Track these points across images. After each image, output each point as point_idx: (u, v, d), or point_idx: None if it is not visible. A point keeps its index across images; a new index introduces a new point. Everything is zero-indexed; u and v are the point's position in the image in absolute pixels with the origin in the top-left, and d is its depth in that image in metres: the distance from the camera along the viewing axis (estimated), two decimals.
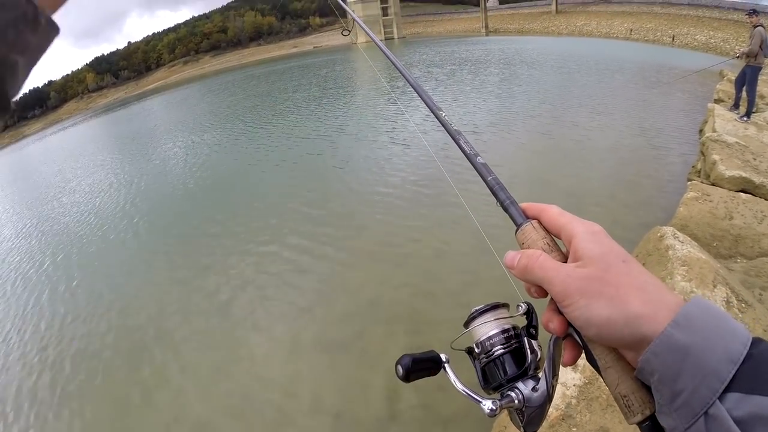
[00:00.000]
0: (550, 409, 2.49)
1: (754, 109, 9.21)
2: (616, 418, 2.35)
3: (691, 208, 5.07)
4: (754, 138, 7.54)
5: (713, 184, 5.89)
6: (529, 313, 0.57)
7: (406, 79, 1.01)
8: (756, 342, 0.40)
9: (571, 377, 2.66)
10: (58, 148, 31.19)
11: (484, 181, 0.65)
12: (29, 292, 7.61)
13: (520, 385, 0.53)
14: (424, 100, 0.88)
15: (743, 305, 3.28)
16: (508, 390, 0.53)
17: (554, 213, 0.55)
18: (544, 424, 2.40)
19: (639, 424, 0.45)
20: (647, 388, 0.44)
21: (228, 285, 6.15)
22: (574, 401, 2.50)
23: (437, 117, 0.80)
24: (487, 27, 61.70)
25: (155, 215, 9.90)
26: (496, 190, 0.63)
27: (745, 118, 8.70)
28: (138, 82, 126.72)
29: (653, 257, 4.03)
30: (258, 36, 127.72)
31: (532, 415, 0.52)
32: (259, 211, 8.51)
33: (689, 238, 4.20)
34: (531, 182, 7.79)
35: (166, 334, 5.47)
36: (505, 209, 0.60)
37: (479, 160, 0.67)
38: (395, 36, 74.77)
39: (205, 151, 14.80)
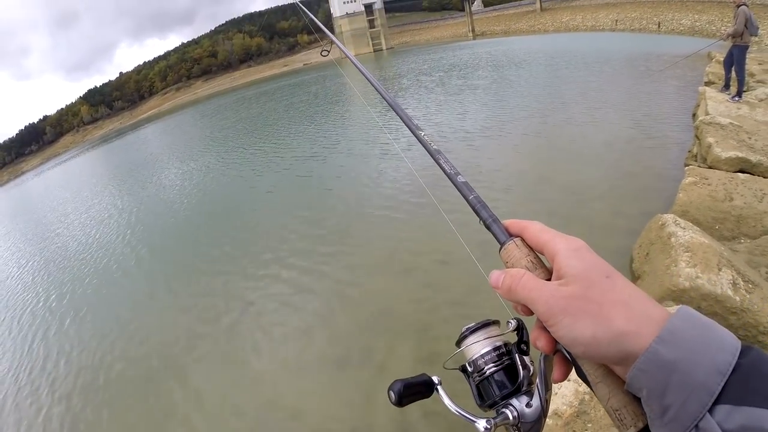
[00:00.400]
0: (564, 407, 2.47)
1: (744, 88, 9.19)
2: None
3: (691, 193, 5.04)
4: (747, 117, 7.52)
5: (710, 167, 5.85)
6: (520, 329, 0.57)
7: (386, 101, 1.01)
8: (745, 350, 0.39)
9: None
10: (57, 183, 31.32)
11: (466, 200, 0.65)
12: (36, 327, 7.62)
13: (514, 401, 0.53)
14: (404, 121, 0.88)
15: (750, 285, 3.25)
16: (503, 407, 0.53)
17: (536, 230, 0.54)
18: (559, 422, 2.36)
19: None
20: (639, 400, 0.44)
21: (231, 308, 6.14)
22: (587, 397, 2.46)
23: (417, 137, 0.80)
24: (473, 30, 62.08)
25: (155, 245, 9.91)
26: (478, 208, 0.62)
27: (736, 98, 8.69)
28: (132, 112, 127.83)
29: (656, 246, 4.01)
30: (248, 57, 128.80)
31: (528, 430, 0.53)
32: (257, 234, 8.53)
33: (690, 224, 4.17)
34: (531, 182, 7.79)
35: (172, 362, 5.44)
36: (488, 227, 0.60)
37: (460, 179, 0.67)
38: (383, 47, 75.27)
39: (200, 178, 14.86)
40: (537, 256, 0.54)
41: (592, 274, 0.46)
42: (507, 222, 0.58)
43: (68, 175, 34.46)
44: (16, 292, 9.96)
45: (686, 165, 6.44)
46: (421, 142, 0.78)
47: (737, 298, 3.15)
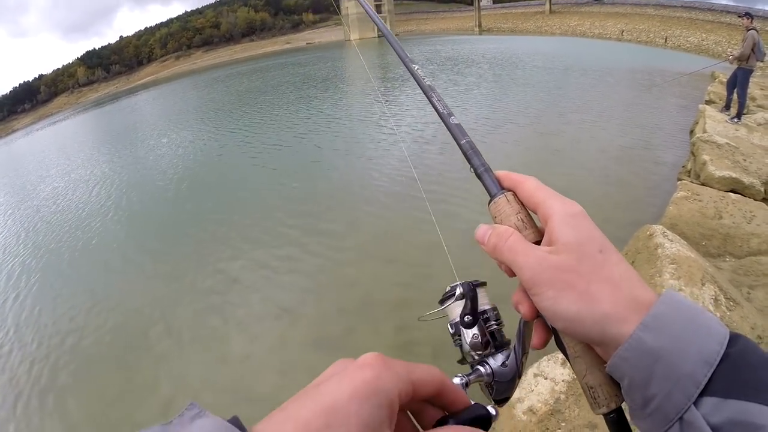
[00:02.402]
0: (539, 404, 2.51)
1: (744, 111, 9.28)
2: None
3: (681, 207, 5.09)
4: (744, 139, 7.59)
5: (703, 184, 5.91)
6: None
7: (379, 28, 0.95)
8: (733, 339, 0.37)
9: (560, 372, 2.66)
10: (45, 144, 30.61)
11: (458, 143, 0.60)
12: (11, 290, 7.50)
13: (490, 360, 0.51)
14: (396, 52, 0.82)
15: (731, 303, 3.30)
16: (478, 364, 0.52)
17: (531, 186, 0.50)
18: (533, 419, 2.39)
19: (604, 415, 0.45)
20: (616, 381, 0.42)
21: (217, 283, 6.11)
22: (562, 396, 2.49)
23: (410, 70, 0.74)
24: (480, 26, 61.81)
25: (135, 214, 9.73)
26: (469, 154, 0.58)
27: (735, 120, 8.77)
28: (129, 77, 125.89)
29: (643, 255, 4.05)
30: (251, 32, 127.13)
31: (501, 389, 0.51)
32: (245, 209, 8.46)
33: (678, 237, 4.22)
34: None
35: (154, 334, 5.39)
36: (479, 176, 0.56)
37: (453, 120, 0.61)
38: None
39: (185, 150, 14.67)
40: (528, 214, 0.50)
41: (585, 245, 0.43)
42: (500, 173, 0.54)
43: (58, 136, 33.70)
44: None
45: (679, 179, 6.50)
46: (414, 76, 0.72)
47: (717, 315, 3.20)
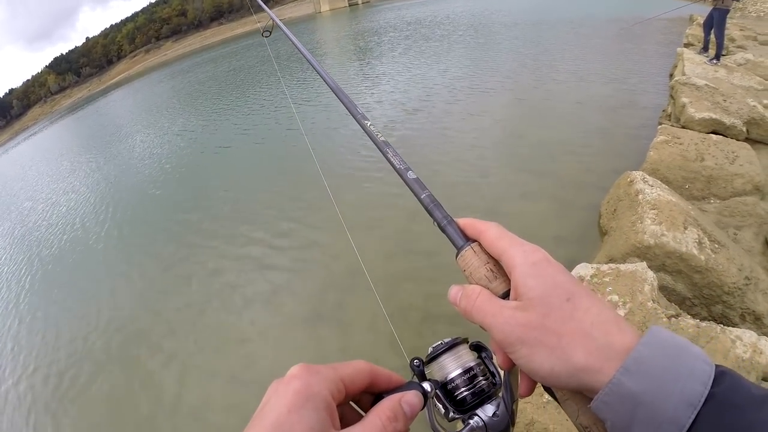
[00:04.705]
0: None
1: (723, 52, 9.09)
2: None
3: (662, 151, 4.94)
4: (724, 80, 7.43)
5: (684, 127, 5.78)
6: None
7: (328, 85, 0.92)
8: (719, 377, 0.36)
9: None
10: (22, 161, 29.91)
11: (418, 198, 0.59)
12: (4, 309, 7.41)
13: (479, 411, 0.49)
14: (348, 110, 0.80)
15: (716, 245, 3.17)
16: (469, 418, 0.49)
17: (492, 236, 0.49)
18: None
19: None
20: None
21: (205, 272, 6.09)
22: None
23: (362, 127, 0.73)
24: None
25: (124, 215, 9.57)
26: (431, 208, 0.57)
27: (714, 61, 8.59)
28: (101, 78, 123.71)
29: (624, 202, 3.94)
30: (219, 15, 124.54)
31: None
32: (225, 198, 8.35)
33: (659, 182, 4.10)
34: (505, 136, 7.71)
35: (149, 330, 5.40)
36: (443, 229, 0.55)
37: (410, 175, 0.61)
38: (359, 1, 73.55)
39: (166, 145, 14.46)
40: (497, 262, 0.49)
41: (551, 297, 0.43)
42: (462, 222, 0.53)
43: (35, 149, 32.94)
44: None
45: (659, 124, 6.36)
46: (367, 133, 0.72)
47: (702, 257, 3.07)
